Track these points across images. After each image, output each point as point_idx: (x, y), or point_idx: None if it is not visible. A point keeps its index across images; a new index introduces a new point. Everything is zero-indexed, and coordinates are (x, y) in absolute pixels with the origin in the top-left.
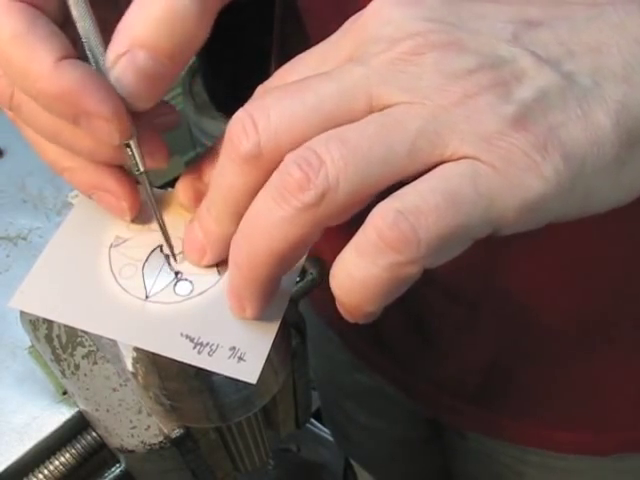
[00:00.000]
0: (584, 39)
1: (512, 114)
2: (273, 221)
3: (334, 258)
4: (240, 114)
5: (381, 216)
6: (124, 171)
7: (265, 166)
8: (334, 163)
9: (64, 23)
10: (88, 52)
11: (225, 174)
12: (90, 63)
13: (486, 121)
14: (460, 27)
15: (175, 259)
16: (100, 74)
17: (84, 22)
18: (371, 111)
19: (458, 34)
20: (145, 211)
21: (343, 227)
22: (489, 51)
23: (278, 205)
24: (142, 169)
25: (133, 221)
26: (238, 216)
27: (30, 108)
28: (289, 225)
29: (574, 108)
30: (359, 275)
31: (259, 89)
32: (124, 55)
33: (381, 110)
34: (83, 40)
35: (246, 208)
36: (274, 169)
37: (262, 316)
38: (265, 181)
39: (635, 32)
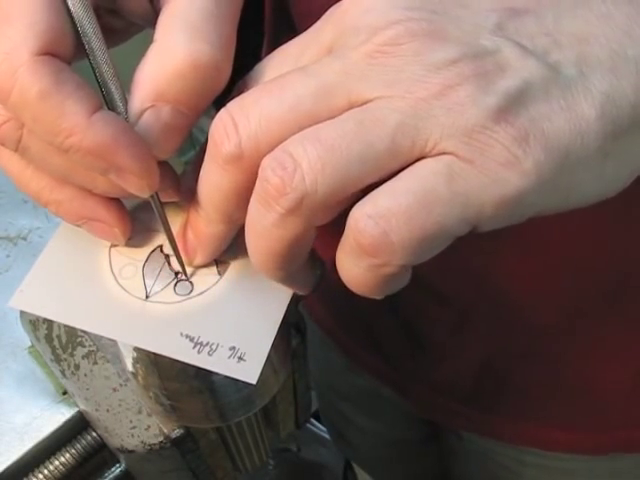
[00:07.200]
0: (570, 29)
1: (494, 106)
2: (265, 225)
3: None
4: (221, 114)
5: (355, 220)
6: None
7: (248, 166)
8: (310, 164)
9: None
10: (105, 94)
11: (210, 175)
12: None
13: (467, 113)
14: (442, 15)
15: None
16: (132, 129)
17: (102, 68)
18: (351, 107)
19: (440, 22)
20: (145, 211)
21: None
22: (472, 40)
23: (265, 210)
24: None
25: (133, 221)
26: (226, 216)
27: (42, 150)
28: (279, 228)
29: (558, 99)
30: (347, 273)
31: (240, 84)
32: (148, 109)
33: (361, 105)
34: (101, 87)
35: (233, 207)
36: (257, 168)
37: (263, 314)
38: (249, 180)
39: (622, 22)
